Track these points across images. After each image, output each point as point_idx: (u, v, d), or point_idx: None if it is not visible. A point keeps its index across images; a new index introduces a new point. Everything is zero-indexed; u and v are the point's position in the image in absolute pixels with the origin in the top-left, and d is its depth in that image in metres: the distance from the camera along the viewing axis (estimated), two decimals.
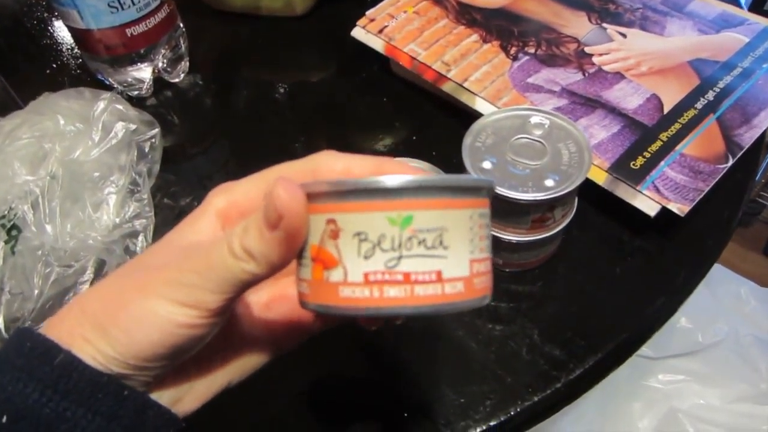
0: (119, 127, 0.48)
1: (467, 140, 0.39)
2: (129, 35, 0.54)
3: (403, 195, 0.20)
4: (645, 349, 0.75)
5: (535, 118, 0.40)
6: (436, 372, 0.39)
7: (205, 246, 0.21)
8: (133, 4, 0.52)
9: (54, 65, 0.63)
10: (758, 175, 1.53)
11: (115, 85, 0.58)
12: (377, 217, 0.20)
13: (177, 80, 0.61)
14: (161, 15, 0.55)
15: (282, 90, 0.60)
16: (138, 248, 0.47)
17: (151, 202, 0.49)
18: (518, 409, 0.37)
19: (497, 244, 0.41)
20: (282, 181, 0.20)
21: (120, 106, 0.49)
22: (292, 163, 0.24)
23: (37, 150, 0.45)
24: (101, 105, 0.48)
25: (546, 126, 0.40)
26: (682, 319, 0.75)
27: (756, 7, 1.33)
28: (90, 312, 0.22)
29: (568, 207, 0.40)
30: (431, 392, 0.38)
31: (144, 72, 0.58)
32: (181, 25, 0.60)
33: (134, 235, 0.47)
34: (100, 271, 0.45)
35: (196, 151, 0.57)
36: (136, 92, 0.59)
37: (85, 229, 0.46)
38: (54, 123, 0.46)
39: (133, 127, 0.49)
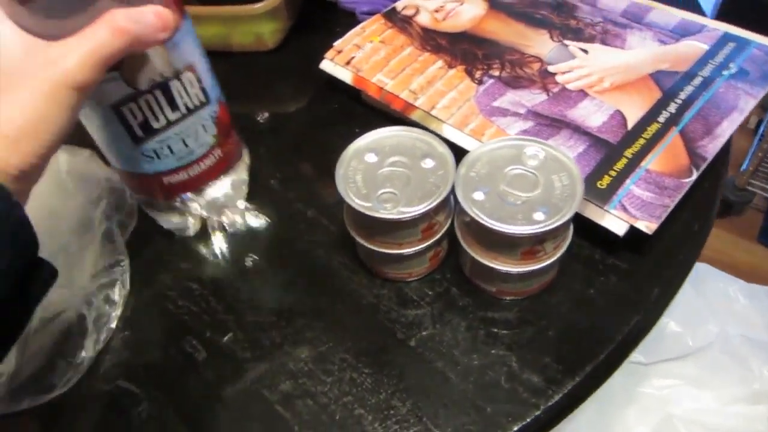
0: (93, 183, 0.49)
1: (461, 170, 0.39)
2: None
3: None
4: (637, 356, 0.75)
5: (531, 149, 0.40)
6: (417, 406, 0.39)
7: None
8: None
9: None
10: (745, 164, 1.54)
11: None
12: None
13: None
14: None
15: (259, 123, 0.61)
16: (116, 296, 0.47)
17: (125, 251, 0.49)
18: None
19: (489, 273, 0.41)
20: None
21: (93, 164, 0.50)
22: None
23: None
24: (75, 163, 0.49)
25: (541, 157, 0.40)
26: (671, 324, 0.75)
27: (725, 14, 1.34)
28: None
29: (561, 239, 0.39)
30: (413, 427, 0.38)
31: None
32: None
33: (112, 284, 0.48)
34: (82, 322, 0.45)
35: None
36: None
37: (64, 282, 0.46)
38: None
39: (105, 183, 0.50)
